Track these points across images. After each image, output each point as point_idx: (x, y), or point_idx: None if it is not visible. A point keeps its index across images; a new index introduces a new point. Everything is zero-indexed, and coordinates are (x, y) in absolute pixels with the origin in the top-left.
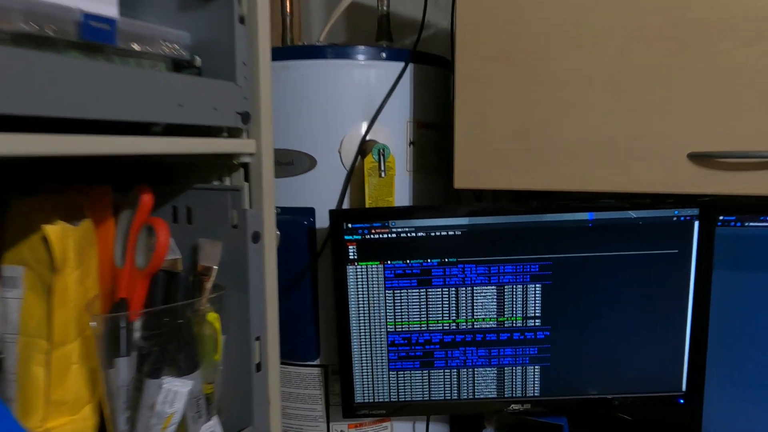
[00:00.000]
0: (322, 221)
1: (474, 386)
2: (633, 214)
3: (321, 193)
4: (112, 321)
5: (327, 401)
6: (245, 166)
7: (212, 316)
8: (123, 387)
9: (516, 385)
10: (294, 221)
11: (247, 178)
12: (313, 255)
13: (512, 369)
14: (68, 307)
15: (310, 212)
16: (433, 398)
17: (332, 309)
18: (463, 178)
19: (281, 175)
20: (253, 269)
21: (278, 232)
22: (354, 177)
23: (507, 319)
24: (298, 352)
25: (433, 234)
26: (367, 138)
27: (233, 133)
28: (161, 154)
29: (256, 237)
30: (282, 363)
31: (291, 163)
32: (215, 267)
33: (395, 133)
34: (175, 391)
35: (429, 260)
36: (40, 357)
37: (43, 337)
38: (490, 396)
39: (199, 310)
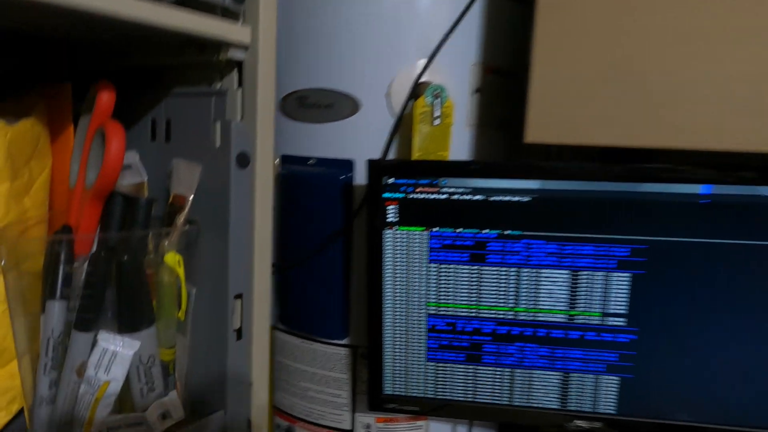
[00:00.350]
0: (362, 177)
1: (530, 392)
2: (766, 191)
3: (363, 143)
4: (50, 251)
5: (354, 388)
6: (239, 66)
7: (173, 258)
8: (51, 339)
9: (585, 397)
10: (328, 175)
11: (241, 83)
12: (348, 216)
13: (582, 377)
14: None
15: (347, 165)
16: (478, 400)
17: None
18: (538, 130)
19: (318, 120)
20: (236, 203)
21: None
22: (403, 126)
23: (580, 314)
24: (324, 328)
25: (493, 198)
26: (422, 80)
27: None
28: (108, 16)
29: (243, 159)
30: (306, 338)
31: (331, 106)
32: (190, 197)
33: (457, 78)
34: (113, 352)
35: (486, 231)
36: None
37: None
38: (549, 406)
39: (157, 247)
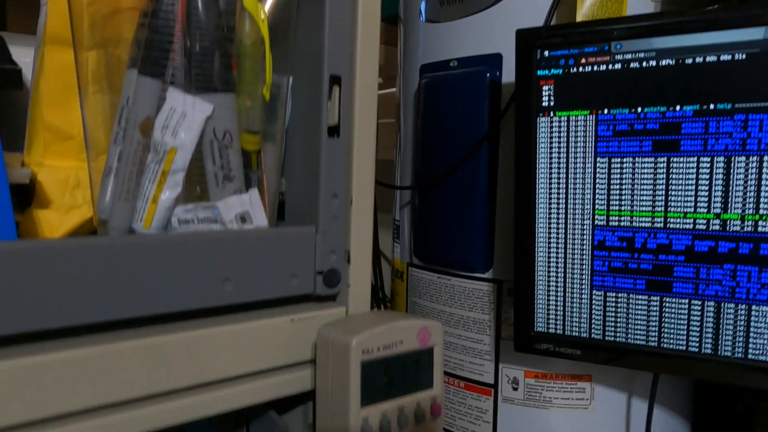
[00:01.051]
0: (513, 73)
1: (747, 339)
2: None
3: (513, 32)
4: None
5: (498, 332)
6: None
7: (253, 5)
8: (126, 107)
9: None
10: (470, 75)
11: None
12: (494, 119)
13: None
14: None
15: (494, 60)
16: (665, 347)
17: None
18: None
19: (459, 16)
20: None
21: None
22: (564, 5)
23: None
24: (463, 258)
25: (690, 61)
26: None
27: None
28: None
29: None
30: (443, 273)
31: None
32: None
33: None
34: (182, 112)
35: (678, 108)
36: (41, 65)
37: (45, 40)
38: None
39: None
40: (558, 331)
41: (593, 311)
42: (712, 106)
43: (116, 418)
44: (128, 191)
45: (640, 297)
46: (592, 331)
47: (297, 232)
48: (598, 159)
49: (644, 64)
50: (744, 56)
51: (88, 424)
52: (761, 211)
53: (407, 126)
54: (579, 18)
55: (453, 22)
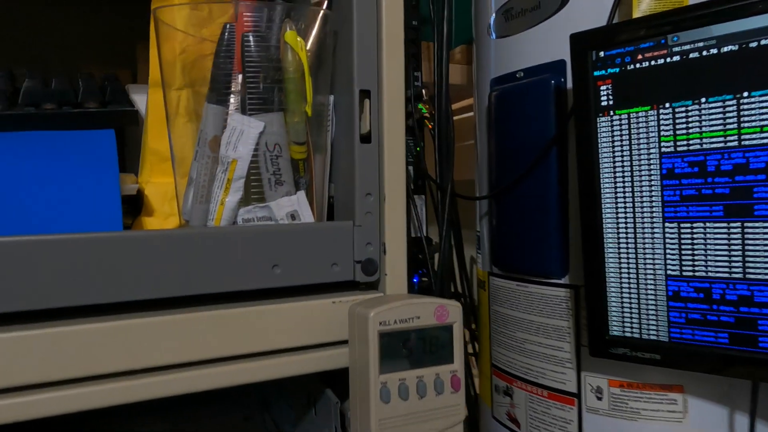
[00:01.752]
0: None
1: None
2: None
3: None
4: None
5: (578, 338)
6: None
7: (293, 38)
8: (202, 132)
9: None
10: (536, 84)
11: None
12: (561, 123)
13: None
14: (173, 42)
15: (558, 67)
16: (764, 347)
17: None
18: None
19: (523, 28)
20: None
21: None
22: (624, 5)
23: None
24: (539, 264)
25: (755, 44)
26: None
27: None
28: None
29: None
30: (520, 280)
31: (537, 6)
32: None
33: None
34: (240, 131)
35: (746, 95)
36: (148, 104)
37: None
38: None
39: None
40: (634, 335)
41: (671, 310)
42: None
43: (188, 374)
44: (203, 196)
45: (714, 291)
46: (671, 332)
47: (336, 226)
48: (663, 156)
49: (704, 53)
50: None
51: (167, 377)
52: None
53: (482, 140)
54: (636, 14)
55: (518, 36)
